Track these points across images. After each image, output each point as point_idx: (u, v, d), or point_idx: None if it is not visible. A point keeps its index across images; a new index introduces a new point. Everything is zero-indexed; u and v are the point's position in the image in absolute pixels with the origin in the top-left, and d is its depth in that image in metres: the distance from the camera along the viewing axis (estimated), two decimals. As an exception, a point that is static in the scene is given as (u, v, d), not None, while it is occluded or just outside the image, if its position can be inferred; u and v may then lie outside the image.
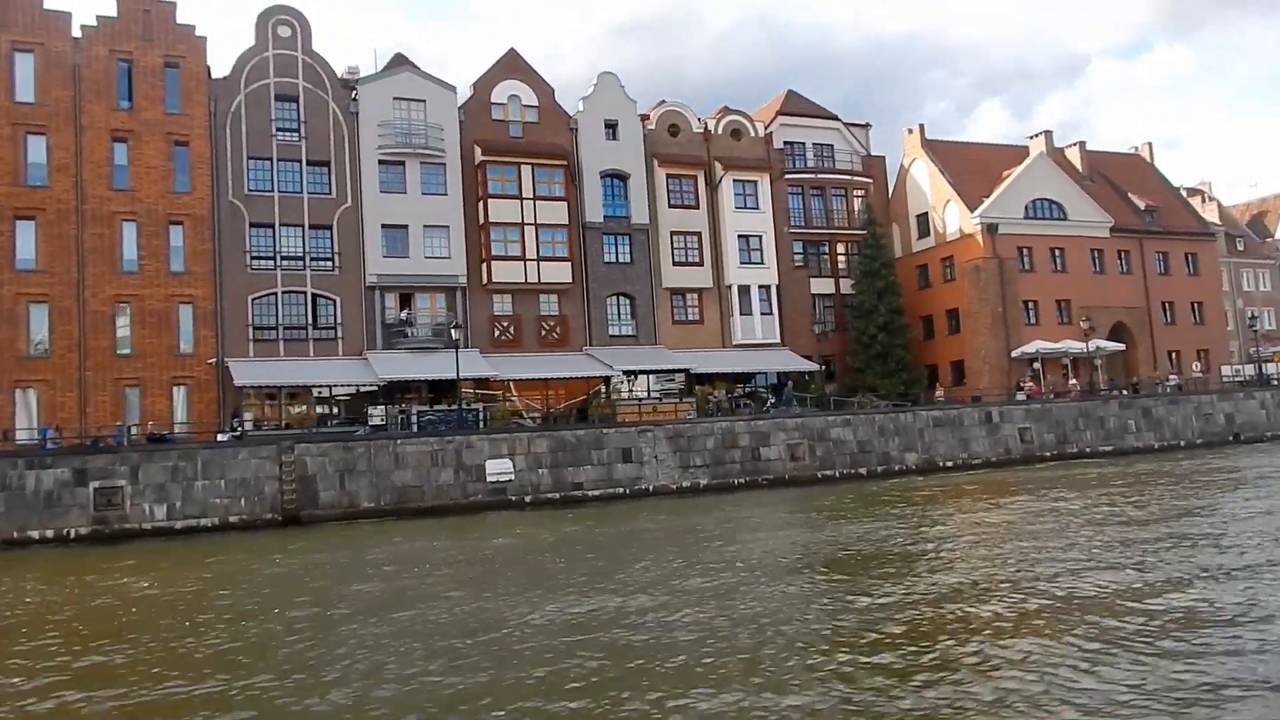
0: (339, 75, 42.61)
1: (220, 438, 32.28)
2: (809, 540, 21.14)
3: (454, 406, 39.55)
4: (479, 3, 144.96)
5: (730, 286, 48.35)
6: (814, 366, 48.00)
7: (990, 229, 49.24)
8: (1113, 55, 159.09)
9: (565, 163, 44.92)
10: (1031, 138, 55.21)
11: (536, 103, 45.64)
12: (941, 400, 44.78)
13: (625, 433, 34.83)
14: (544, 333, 44.41)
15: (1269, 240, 66.85)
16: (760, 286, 49.02)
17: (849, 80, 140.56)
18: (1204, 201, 65.78)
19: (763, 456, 36.61)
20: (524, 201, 43.85)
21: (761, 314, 48.91)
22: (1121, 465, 37.35)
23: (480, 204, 43.34)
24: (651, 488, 34.52)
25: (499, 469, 32.25)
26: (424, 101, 42.89)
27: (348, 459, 30.48)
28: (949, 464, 39.78)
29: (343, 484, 30.24)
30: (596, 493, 33.53)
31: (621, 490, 33.98)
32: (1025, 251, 50.52)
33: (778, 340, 48.80)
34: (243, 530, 28.47)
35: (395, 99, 42.48)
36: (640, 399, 43.66)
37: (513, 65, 45.80)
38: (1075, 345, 48.07)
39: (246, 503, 29.10)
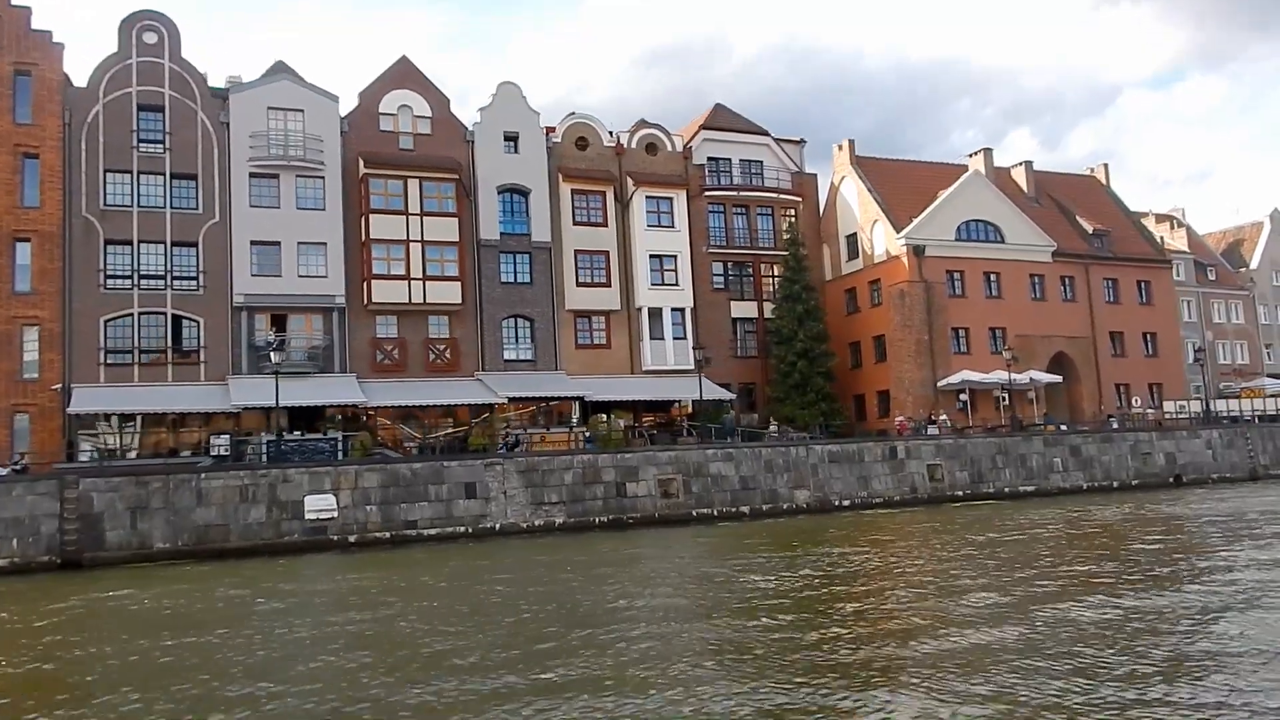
0: (220, 86, 40.63)
1: (-1, 471, 29.92)
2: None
3: (319, 436, 37.33)
4: (506, 33, 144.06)
5: (640, 309, 45.75)
6: (728, 395, 45.22)
7: (917, 251, 46.26)
8: (1144, 86, 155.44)
9: (457, 176, 42.51)
10: (970, 155, 52.23)
11: (430, 113, 43.29)
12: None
13: (470, 466, 32.12)
14: (432, 357, 41.91)
15: (1242, 270, 62.91)
16: (674, 309, 46.36)
17: (877, 107, 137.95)
18: (1173, 228, 62.24)
19: (629, 493, 33.77)
20: (410, 217, 41.45)
21: (675, 338, 46.21)
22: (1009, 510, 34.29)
23: (362, 219, 41.03)
24: (498, 526, 31.77)
25: (319, 505, 29.68)
26: (302, 111, 40.62)
27: (140, 495, 27.90)
28: (845, 503, 36.78)
29: (134, 523, 27.70)
30: (433, 532, 30.82)
31: (463, 529, 31.24)
32: (956, 276, 47.45)
33: (691, 366, 46.02)
34: (12, 575, 25.97)
35: (270, 108, 40.23)
36: (545, 430, 41.30)
37: (405, 74, 43.50)
38: (1007, 376, 44.93)
39: (19, 544, 26.51)
